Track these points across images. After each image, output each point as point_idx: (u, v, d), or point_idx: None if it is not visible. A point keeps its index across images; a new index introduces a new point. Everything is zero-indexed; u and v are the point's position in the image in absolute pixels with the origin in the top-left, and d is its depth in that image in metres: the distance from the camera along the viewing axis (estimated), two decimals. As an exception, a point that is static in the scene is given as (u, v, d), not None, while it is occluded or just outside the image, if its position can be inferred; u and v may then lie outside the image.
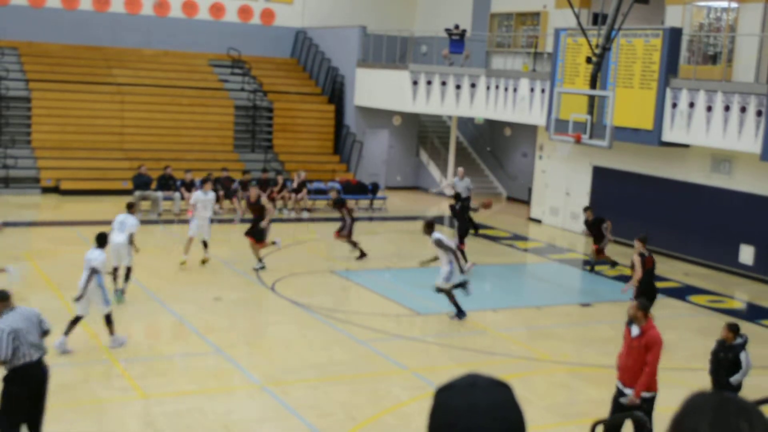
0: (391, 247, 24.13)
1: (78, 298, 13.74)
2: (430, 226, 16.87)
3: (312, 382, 13.21)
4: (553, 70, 26.44)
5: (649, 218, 24.66)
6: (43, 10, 33.48)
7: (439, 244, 16.47)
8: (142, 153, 30.43)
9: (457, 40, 31.17)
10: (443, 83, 30.56)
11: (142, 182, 26.61)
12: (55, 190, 28.60)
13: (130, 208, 17.33)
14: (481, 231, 26.03)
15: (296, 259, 21.47)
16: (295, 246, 22.64)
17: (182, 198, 26.69)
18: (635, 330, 10.62)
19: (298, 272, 20.17)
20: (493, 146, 35.90)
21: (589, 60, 22.85)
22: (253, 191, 20.63)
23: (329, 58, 36.09)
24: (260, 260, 19.91)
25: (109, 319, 13.94)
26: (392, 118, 34.57)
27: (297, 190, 28.02)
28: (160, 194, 26.56)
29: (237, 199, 25.84)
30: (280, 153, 33.62)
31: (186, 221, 25.76)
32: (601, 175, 26.68)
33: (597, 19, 26.39)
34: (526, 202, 30.99)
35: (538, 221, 29.10)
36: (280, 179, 28.77)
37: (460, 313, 16.73)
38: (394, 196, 31.84)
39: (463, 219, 22.48)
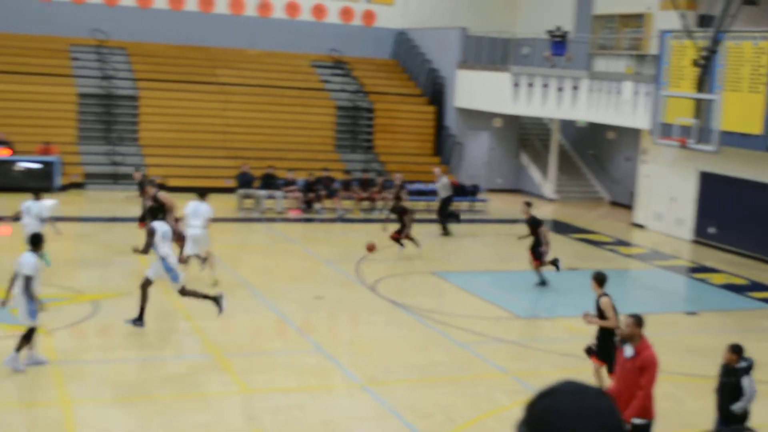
0: (491, 250, 23.97)
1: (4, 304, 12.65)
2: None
3: (411, 382, 13.19)
4: (658, 72, 25.90)
5: (760, 226, 23.98)
6: (150, 11, 34.27)
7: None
8: (245, 152, 30.89)
9: (559, 41, 30.85)
10: (545, 85, 30.25)
11: (245, 181, 27.02)
12: (161, 187, 29.17)
13: (203, 195, 17.60)
14: (582, 236, 25.66)
15: (396, 260, 21.49)
16: (395, 247, 22.67)
17: (284, 197, 27.03)
18: (629, 350, 9.78)
19: (398, 273, 20.20)
20: (595, 149, 35.37)
21: (695, 63, 22.37)
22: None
23: (430, 59, 36.07)
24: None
25: (28, 336, 12.34)
26: (492, 119, 34.36)
27: (396, 191, 28.04)
28: (262, 193, 26.91)
29: (338, 199, 26.07)
30: (381, 153, 33.74)
31: (288, 220, 26.11)
32: (708, 181, 25.99)
33: (703, 21, 25.79)
34: (629, 207, 30.45)
35: (642, 227, 28.54)
36: (379, 180, 28.87)
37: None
38: (494, 199, 31.63)
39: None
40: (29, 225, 17.36)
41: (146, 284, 14.34)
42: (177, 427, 10.96)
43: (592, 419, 2.43)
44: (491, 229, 27.60)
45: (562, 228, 27.54)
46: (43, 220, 17.78)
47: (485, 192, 32.17)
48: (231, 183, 28.18)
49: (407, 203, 22.82)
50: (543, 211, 29.60)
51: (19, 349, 12.23)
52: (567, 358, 14.77)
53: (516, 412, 9.31)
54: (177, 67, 33.26)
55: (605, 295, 11.99)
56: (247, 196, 27.05)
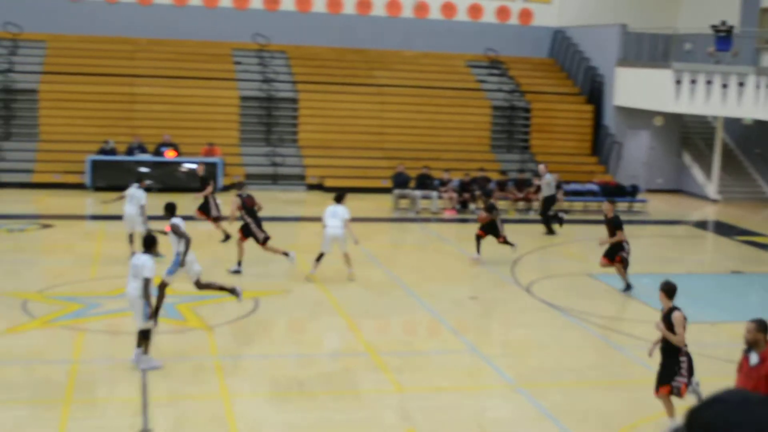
0: (650, 252, 23.33)
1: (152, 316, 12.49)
2: None
3: (566, 385, 12.98)
4: (833, 66, 24.65)
5: None
6: (309, 15, 34.97)
7: None
8: (401, 152, 31.13)
9: (723, 36, 29.77)
10: (708, 82, 29.26)
11: (400, 181, 27.23)
12: (319, 187, 29.78)
13: (340, 199, 18.08)
14: (747, 238, 24.69)
15: (552, 261, 21.20)
16: (551, 248, 22.36)
17: (439, 197, 27.10)
18: (754, 358, 9.20)
19: (554, 274, 19.92)
20: (762, 148, 33.95)
21: None
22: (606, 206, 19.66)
23: (588, 57, 35.45)
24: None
25: (146, 335, 12.55)
26: (653, 118, 33.45)
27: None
28: (418, 193, 27.05)
29: (495, 199, 25.89)
30: (537, 153, 33.37)
31: (443, 220, 26.13)
32: None
33: None
34: (799, 208, 29.09)
35: (813, 228, 27.21)
36: (536, 180, 28.55)
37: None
38: (655, 199, 30.79)
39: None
40: (129, 212, 18.73)
41: (163, 285, 14.21)
42: (332, 424, 11.12)
43: (758, 430, 2.34)
44: (652, 230, 26.86)
45: (725, 230, 26.56)
46: (142, 207, 18.74)
47: (645, 192, 31.36)
48: (387, 183, 28.47)
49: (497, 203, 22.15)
50: (706, 212, 28.65)
51: (146, 350, 12.48)
52: (730, 365, 14.21)
53: (677, 419, 8.96)
54: (335, 70, 33.82)
55: (677, 308, 11.05)
56: (403, 197, 27.25)
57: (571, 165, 32.38)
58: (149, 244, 12.60)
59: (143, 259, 12.32)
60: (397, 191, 27.21)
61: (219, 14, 34.29)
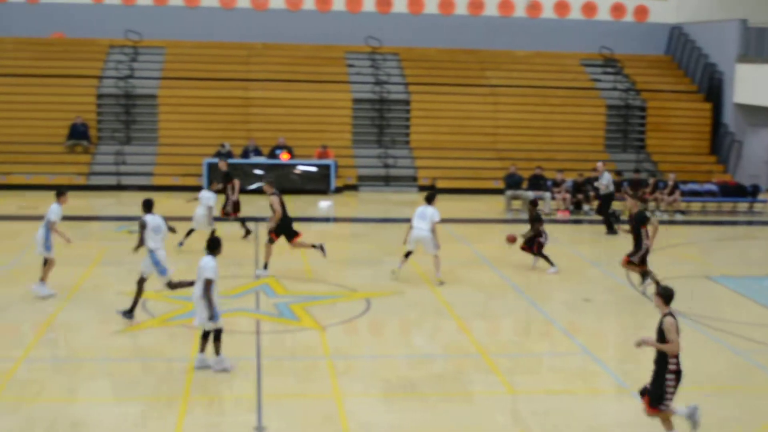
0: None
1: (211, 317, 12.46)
2: None
3: (684, 391, 12.63)
4: None
5: None
6: (421, 17, 35.05)
7: None
8: (513, 153, 30.91)
9: None
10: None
11: (513, 182, 27.03)
12: (431, 188, 29.80)
13: (431, 200, 17.85)
14: None
15: (669, 263, 20.72)
16: (668, 249, 21.86)
17: (552, 198, 26.80)
18: None
19: (671, 277, 19.45)
20: None
21: None
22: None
23: (706, 53, 34.55)
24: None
25: (217, 336, 12.55)
26: (775, 115, 32.37)
27: (670, 192, 27.08)
28: (531, 194, 26.78)
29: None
30: (653, 153, 32.70)
31: (556, 221, 25.81)
32: None
33: None
34: None
35: None
36: (652, 180, 27.98)
37: None
38: (776, 199, 29.80)
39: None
40: (198, 214, 20.10)
41: (141, 281, 14.58)
42: (442, 424, 11.10)
43: None
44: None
45: None
46: (210, 209, 19.95)
47: (766, 192, 30.37)
48: (499, 184, 28.31)
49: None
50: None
51: (218, 351, 12.53)
52: None
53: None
54: (447, 71, 33.80)
55: (670, 314, 10.38)
56: (515, 197, 27.04)
57: (688, 164, 31.61)
58: (213, 245, 12.61)
59: (205, 260, 12.44)
60: (509, 192, 27.02)
61: (332, 18, 34.67)
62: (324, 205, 25.97)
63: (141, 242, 14.89)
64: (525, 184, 27.15)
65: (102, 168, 29.25)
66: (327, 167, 28.88)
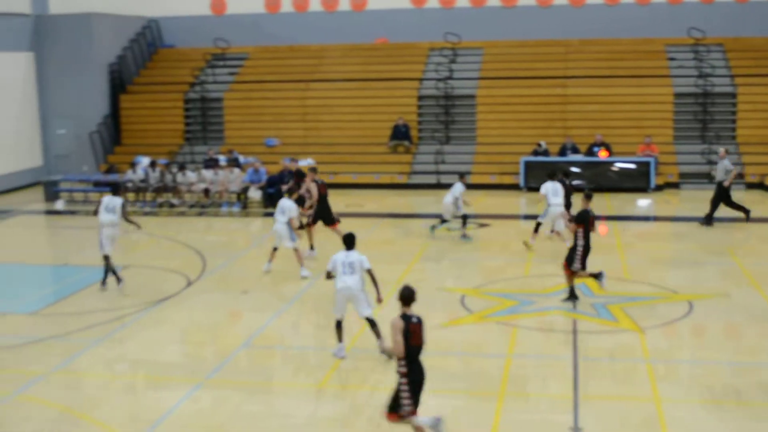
0: None
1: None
2: None
3: None
4: None
5: None
6: (747, 5, 33.16)
7: None
8: None
9: None
10: None
11: None
12: (759, 186, 28.17)
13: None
14: None
15: None
16: None
17: None
18: None
19: None
20: None
21: None
22: None
23: None
24: None
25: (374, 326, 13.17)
26: None
27: None
28: None
29: None
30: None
31: None
32: None
33: None
34: None
35: None
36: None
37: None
38: None
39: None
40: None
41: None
42: (772, 436, 10.47)
43: None
44: None
45: None
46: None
47: None
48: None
49: None
50: None
51: (378, 336, 13.02)
52: None
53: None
54: (777, 61, 31.76)
55: (402, 316, 9.84)
56: None
57: None
58: (351, 241, 13.25)
59: (355, 255, 13.09)
60: None
61: (651, 10, 33.62)
62: (643, 203, 25.09)
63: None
64: None
65: (422, 167, 30.21)
66: (647, 164, 28.05)
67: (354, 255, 13.12)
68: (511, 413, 11.15)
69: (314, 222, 20.19)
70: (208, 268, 19.10)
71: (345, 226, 23.44)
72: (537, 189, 27.83)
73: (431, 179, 29.62)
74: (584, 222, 15.54)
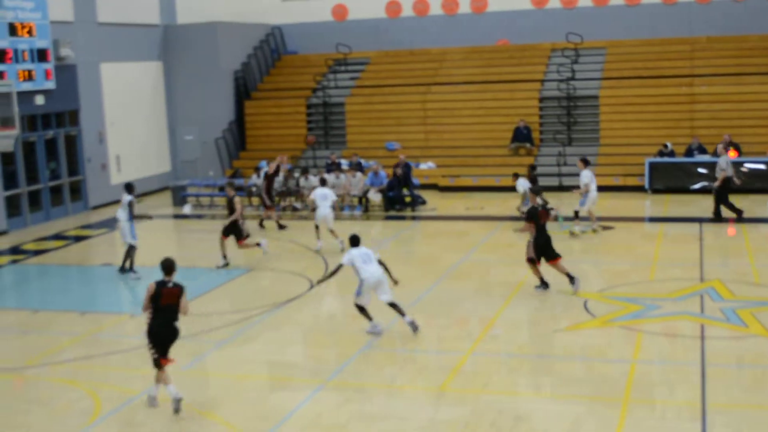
0: None
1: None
2: None
3: None
4: None
5: None
6: None
7: None
8: None
9: None
10: None
11: None
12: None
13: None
14: None
15: None
16: None
17: None
18: None
19: None
20: None
21: None
22: None
23: None
24: None
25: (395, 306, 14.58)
26: None
27: None
28: None
29: None
30: None
31: None
32: None
33: None
34: None
35: None
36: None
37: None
38: None
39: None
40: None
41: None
42: None
43: None
44: None
45: None
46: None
47: None
48: None
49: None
50: None
51: (403, 314, 14.49)
52: None
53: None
54: None
55: (158, 282, 11.80)
56: None
57: None
58: (357, 240, 14.79)
59: (365, 249, 14.69)
60: None
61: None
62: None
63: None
64: None
65: (544, 169, 29.85)
66: (772, 164, 27.13)
67: (364, 248, 14.66)
68: (635, 420, 10.89)
69: (226, 236, 20.30)
70: (331, 271, 19.30)
71: (465, 228, 23.44)
72: (663, 191, 27.38)
73: (553, 181, 29.24)
74: (535, 218, 16.63)
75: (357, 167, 28.11)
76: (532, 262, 16.80)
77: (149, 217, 23.15)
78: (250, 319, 15.91)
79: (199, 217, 27.03)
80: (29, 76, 26.30)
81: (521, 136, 30.86)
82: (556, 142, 31.08)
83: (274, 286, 18.35)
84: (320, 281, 16.11)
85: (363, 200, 27.07)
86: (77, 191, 29.11)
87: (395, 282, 14.85)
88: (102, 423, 11.39)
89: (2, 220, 25.67)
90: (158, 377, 11.63)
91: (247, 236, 20.35)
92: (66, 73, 28.21)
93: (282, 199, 27.77)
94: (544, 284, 16.86)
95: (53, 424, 11.45)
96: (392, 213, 26.21)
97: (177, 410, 11.43)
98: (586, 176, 21.84)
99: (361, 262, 14.38)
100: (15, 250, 23.56)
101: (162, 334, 11.56)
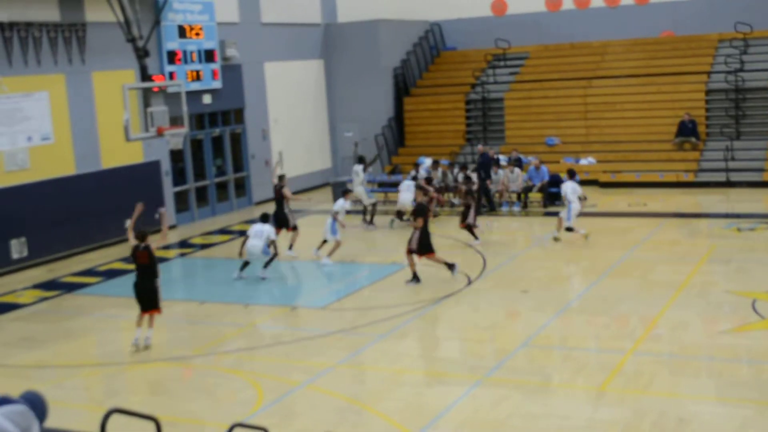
0: None
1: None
2: None
3: None
4: None
5: None
6: None
7: None
8: None
9: None
10: None
11: None
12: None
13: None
14: None
15: None
16: None
17: None
18: None
19: None
20: None
21: None
22: None
23: None
24: None
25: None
26: None
27: None
28: None
29: None
30: None
31: None
32: None
33: None
34: None
35: None
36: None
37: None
38: None
39: None
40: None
41: None
42: None
43: None
44: None
45: None
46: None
47: None
48: None
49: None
50: None
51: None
52: None
53: None
54: None
55: (134, 246, 14.94)
56: None
57: None
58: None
59: None
60: None
61: None
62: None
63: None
64: None
65: (710, 164, 28.86)
66: None
67: None
68: (807, 426, 10.41)
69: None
70: (489, 267, 19.26)
71: (627, 225, 22.93)
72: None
73: (720, 177, 28.22)
74: (423, 214, 18.22)
75: (516, 163, 27.86)
76: (412, 254, 18.17)
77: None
78: (407, 314, 16.03)
79: (359, 212, 27.37)
80: (197, 77, 27.32)
81: (686, 130, 29.90)
82: (724, 137, 29.96)
83: (431, 282, 18.40)
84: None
85: (522, 196, 26.82)
86: (241, 187, 30.05)
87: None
88: (263, 412, 11.69)
89: (172, 216, 26.76)
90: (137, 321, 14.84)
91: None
92: (232, 72, 29.15)
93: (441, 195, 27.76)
94: (416, 278, 18.11)
95: (217, 413, 11.84)
96: (551, 209, 25.86)
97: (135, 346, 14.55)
98: (569, 188, 21.46)
99: None
100: (183, 244, 24.52)
101: (137, 290, 14.89)
